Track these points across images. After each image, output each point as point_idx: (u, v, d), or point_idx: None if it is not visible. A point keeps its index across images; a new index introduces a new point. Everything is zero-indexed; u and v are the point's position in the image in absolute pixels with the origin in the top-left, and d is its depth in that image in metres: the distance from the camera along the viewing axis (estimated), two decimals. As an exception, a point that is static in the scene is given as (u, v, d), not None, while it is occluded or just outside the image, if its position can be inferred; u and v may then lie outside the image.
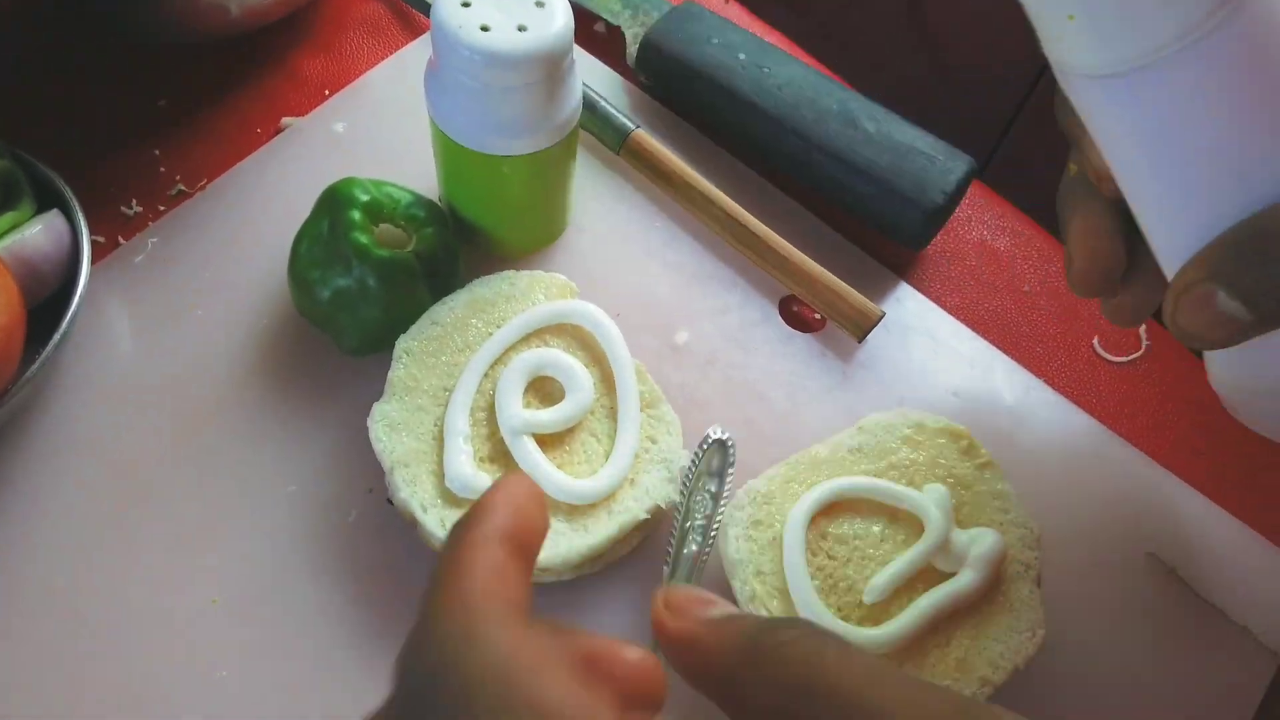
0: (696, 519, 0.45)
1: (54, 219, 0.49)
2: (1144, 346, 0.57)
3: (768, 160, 0.59)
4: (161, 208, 0.55)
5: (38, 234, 0.47)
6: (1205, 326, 0.34)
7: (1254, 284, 0.33)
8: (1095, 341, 0.57)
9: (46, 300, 0.48)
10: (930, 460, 0.47)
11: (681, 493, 0.45)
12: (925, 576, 0.44)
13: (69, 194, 0.50)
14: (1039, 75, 0.87)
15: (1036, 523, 0.46)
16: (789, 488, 0.46)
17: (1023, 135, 0.90)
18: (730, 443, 0.46)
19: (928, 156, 0.54)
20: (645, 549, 0.48)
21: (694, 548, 0.45)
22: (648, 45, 0.60)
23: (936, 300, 0.57)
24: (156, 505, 0.47)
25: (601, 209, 0.57)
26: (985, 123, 0.91)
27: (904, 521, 0.45)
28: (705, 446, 0.46)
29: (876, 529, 0.45)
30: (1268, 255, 0.32)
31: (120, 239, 0.54)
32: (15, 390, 0.44)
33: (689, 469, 0.46)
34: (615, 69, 0.62)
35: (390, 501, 0.47)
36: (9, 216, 0.48)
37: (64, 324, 0.46)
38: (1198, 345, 0.36)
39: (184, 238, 0.54)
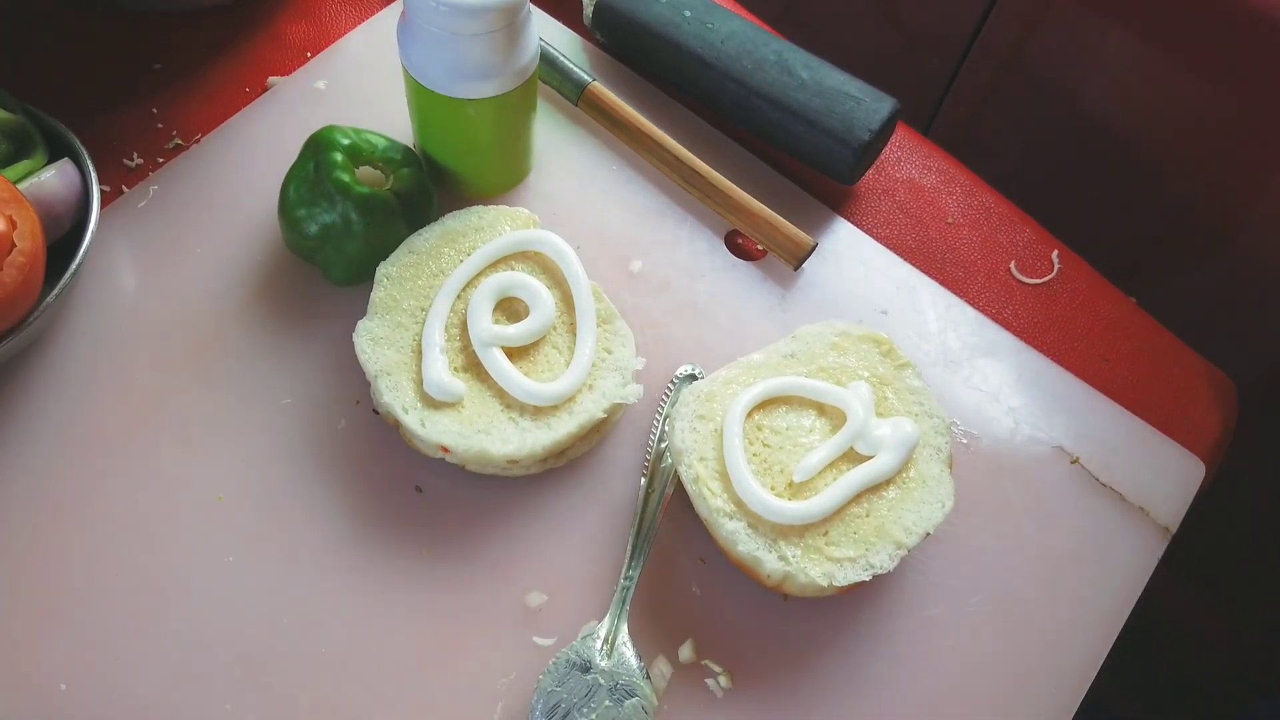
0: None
1: (65, 166, 0.54)
2: (1056, 269, 0.63)
3: (712, 107, 0.65)
4: (160, 160, 0.60)
5: (52, 178, 0.53)
6: None
7: None
8: (1012, 265, 0.63)
9: (59, 242, 0.53)
10: (855, 363, 0.53)
11: (657, 418, 0.52)
12: (849, 460, 0.50)
13: (78, 144, 0.55)
14: (973, 37, 0.93)
15: (948, 413, 0.52)
16: (729, 388, 0.51)
17: (961, 91, 0.96)
18: (700, 375, 0.52)
19: (855, 99, 0.60)
20: (603, 448, 0.54)
21: (669, 462, 0.51)
22: (603, 6, 0.66)
23: (868, 232, 0.63)
24: (165, 417, 0.52)
25: (562, 155, 0.63)
26: (930, 84, 0.97)
27: (830, 414, 0.51)
28: (678, 379, 0.53)
29: (806, 421, 0.51)
30: None
31: (124, 188, 0.59)
32: (37, 314, 0.50)
33: (668, 397, 0.53)
34: (574, 29, 0.68)
35: (375, 411, 0.53)
36: (24, 164, 0.53)
37: (79, 255, 0.52)
38: None
39: (182, 186, 0.59)
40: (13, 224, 0.47)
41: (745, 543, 0.47)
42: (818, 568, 0.47)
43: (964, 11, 0.93)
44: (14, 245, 0.47)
